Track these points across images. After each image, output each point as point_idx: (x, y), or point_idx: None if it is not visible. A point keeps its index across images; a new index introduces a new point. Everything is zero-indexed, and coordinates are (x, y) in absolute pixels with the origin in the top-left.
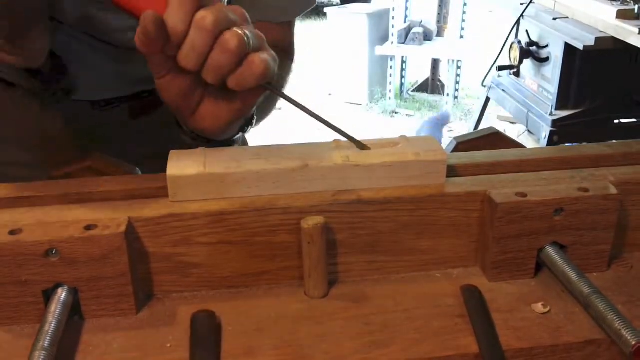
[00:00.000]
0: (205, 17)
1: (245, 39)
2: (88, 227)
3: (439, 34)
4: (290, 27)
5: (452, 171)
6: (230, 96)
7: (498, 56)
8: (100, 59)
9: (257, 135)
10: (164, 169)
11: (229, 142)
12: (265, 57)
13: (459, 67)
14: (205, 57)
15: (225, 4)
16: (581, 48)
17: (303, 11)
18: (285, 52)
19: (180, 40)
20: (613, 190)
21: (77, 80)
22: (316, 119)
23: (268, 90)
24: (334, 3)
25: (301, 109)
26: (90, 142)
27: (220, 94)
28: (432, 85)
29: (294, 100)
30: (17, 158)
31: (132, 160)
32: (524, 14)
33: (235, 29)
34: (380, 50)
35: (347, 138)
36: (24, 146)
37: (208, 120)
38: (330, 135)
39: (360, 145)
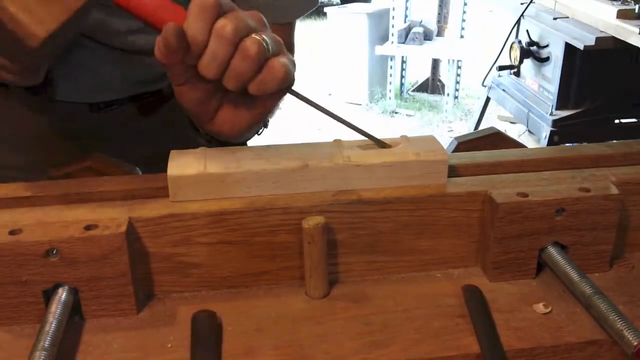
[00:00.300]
0: (225, 25)
1: (265, 44)
2: (88, 227)
3: (439, 33)
4: (290, 28)
5: (453, 171)
6: (250, 101)
7: (498, 56)
8: (100, 61)
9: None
10: (164, 169)
11: (243, 144)
12: (285, 61)
13: (459, 67)
14: (225, 65)
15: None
16: (581, 48)
17: (304, 13)
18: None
19: (200, 49)
20: (614, 190)
21: (67, 85)
22: (338, 120)
23: (288, 94)
24: (334, 3)
25: (321, 111)
26: (90, 142)
27: (239, 100)
28: (432, 85)
29: (315, 103)
30: (14, 162)
31: (132, 160)
32: (524, 14)
33: (254, 35)
34: (380, 50)
35: (369, 138)
36: (22, 148)
37: (227, 125)
38: (330, 135)
39: (381, 144)
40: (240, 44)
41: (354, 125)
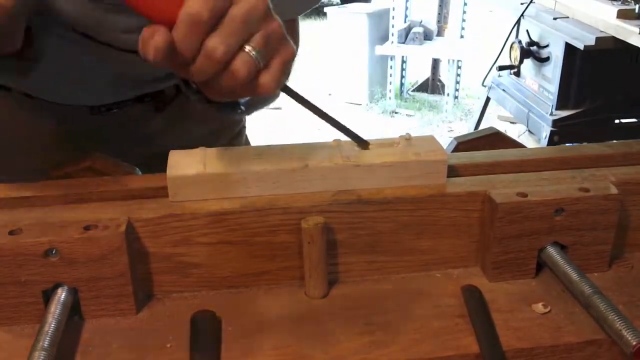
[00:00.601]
0: (216, 48)
1: (256, 61)
2: (87, 227)
3: (439, 33)
4: (293, 23)
5: (453, 171)
6: None
7: (498, 56)
8: (101, 62)
9: (257, 135)
10: (163, 170)
11: (235, 104)
12: (276, 73)
13: (459, 67)
14: (213, 78)
15: None
16: (582, 48)
17: (306, 10)
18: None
19: (188, 61)
20: (614, 190)
21: (68, 88)
22: (322, 117)
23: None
24: (334, 3)
25: (305, 105)
26: (89, 144)
27: None
28: (432, 85)
29: (303, 98)
30: (13, 166)
31: (131, 160)
32: (524, 14)
33: (246, 50)
34: (380, 50)
35: (349, 135)
36: (21, 151)
37: (216, 96)
38: (331, 135)
39: (363, 143)
40: (230, 64)
41: (333, 119)
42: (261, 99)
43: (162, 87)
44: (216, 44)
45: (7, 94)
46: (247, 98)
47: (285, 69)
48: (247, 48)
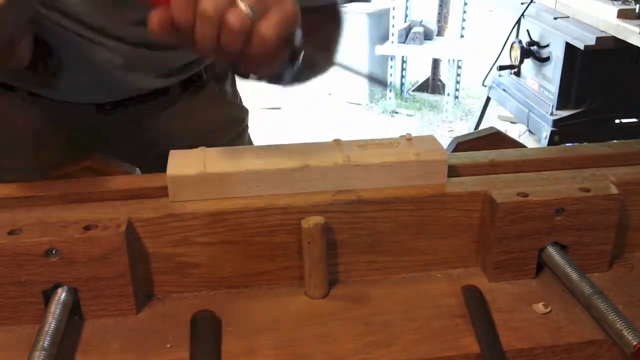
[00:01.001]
0: (206, 8)
1: (247, 11)
2: (87, 227)
3: (440, 33)
4: (335, 9)
5: (453, 171)
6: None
7: (499, 56)
8: (109, 58)
9: (258, 136)
10: (164, 169)
11: (281, 75)
12: (273, 21)
13: (459, 67)
14: (217, 38)
15: None
16: (582, 48)
17: None
18: (330, 17)
19: (190, 30)
20: (614, 190)
21: (74, 86)
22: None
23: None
24: None
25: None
26: (90, 143)
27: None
28: (432, 85)
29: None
30: (14, 165)
31: (132, 160)
32: (524, 14)
33: (239, 7)
34: (381, 49)
35: (371, 80)
36: (23, 150)
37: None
38: (331, 135)
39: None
40: (224, 20)
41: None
42: (308, 67)
43: (167, 85)
44: (206, 4)
45: (10, 93)
46: (290, 68)
47: (285, 21)
48: (241, 5)
